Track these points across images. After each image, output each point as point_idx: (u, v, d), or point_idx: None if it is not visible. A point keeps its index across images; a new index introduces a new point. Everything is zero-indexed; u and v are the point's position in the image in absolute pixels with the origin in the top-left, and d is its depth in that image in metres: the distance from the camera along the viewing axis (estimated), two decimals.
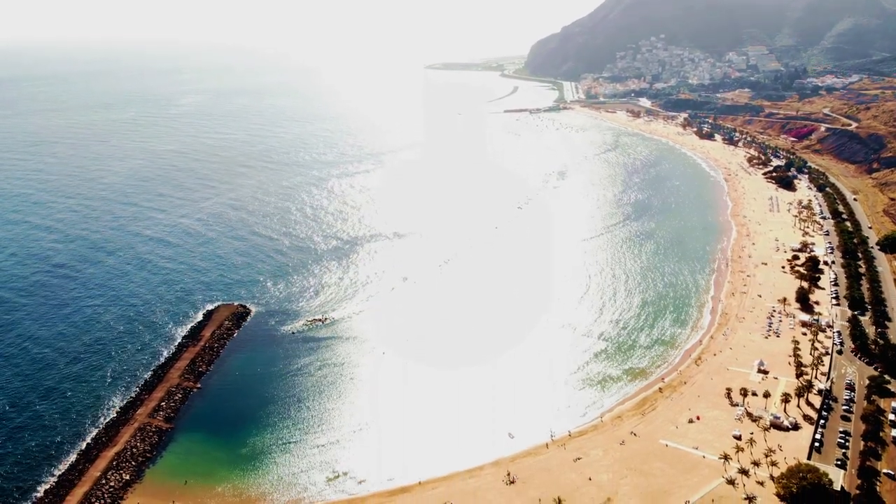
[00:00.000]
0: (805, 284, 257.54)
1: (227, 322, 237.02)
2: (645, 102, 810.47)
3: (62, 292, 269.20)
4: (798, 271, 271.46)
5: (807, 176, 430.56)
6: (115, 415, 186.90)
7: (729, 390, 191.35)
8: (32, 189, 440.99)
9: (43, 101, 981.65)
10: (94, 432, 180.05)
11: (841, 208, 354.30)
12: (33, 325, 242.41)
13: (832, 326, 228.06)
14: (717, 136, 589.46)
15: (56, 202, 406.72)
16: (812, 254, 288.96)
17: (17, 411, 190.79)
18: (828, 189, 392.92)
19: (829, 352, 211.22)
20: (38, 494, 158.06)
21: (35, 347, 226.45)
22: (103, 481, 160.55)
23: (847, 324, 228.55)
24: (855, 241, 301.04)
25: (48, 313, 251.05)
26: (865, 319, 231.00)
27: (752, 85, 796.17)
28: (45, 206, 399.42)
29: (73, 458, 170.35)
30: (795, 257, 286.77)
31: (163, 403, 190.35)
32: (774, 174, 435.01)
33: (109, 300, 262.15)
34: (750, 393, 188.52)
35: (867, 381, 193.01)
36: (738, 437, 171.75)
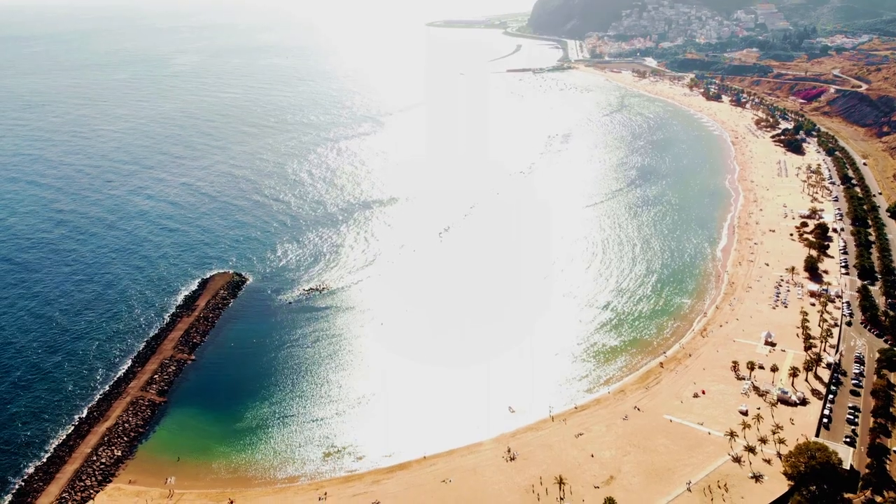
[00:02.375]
0: (814, 253, 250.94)
1: (222, 291, 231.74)
2: (651, 62, 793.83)
3: (58, 259, 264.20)
4: (807, 239, 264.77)
5: (816, 139, 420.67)
6: (107, 388, 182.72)
7: (735, 363, 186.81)
8: (36, 150, 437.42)
9: (42, 60, 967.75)
10: (86, 407, 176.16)
11: (850, 173, 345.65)
12: (27, 293, 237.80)
13: (841, 297, 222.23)
14: (725, 98, 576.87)
15: (61, 163, 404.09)
16: (821, 220, 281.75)
17: (6, 385, 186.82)
18: (837, 153, 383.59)
19: (839, 323, 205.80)
20: (29, 471, 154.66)
21: (28, 317, 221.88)
22: (94, 458, 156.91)
23: (856, 294, 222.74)
24: (865, 207, 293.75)
25: (43, 282, 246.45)
26: (875, 289, 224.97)
27: (761, 44, 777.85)
28: (49, 167, 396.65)
29: (63, 433, 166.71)
30: (804, 224, 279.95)
31: (156, 376, 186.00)
32: (783, 137, 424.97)
33: (104, 267, 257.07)
34: (757, 366, 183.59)
35: (877, 355, 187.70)
36: (745, 413, 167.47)
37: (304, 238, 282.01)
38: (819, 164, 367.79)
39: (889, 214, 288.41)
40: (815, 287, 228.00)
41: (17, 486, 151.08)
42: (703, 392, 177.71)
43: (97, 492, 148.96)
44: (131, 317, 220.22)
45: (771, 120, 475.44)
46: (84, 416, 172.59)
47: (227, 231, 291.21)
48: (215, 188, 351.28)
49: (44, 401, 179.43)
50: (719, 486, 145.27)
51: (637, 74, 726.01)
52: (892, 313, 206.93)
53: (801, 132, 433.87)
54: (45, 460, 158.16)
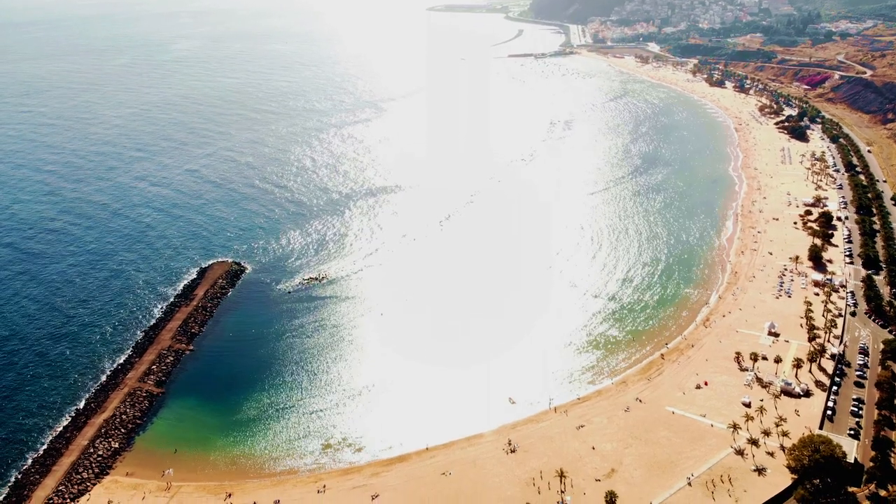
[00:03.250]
0: (818, 241, 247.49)
1: (221, 280, 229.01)
2: (654, 47, 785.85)
3: (61, 248, 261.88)
4: (811, 227, 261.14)
5: (820, 126, 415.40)
6: (104, 379, 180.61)
7: (738, 354, 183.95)
8: (40, 136, 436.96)
9: (43, 45, 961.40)
10: (84, 398, 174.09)
11: (855, 160, 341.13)
12: (29, 281, 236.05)
13: (845, 286, 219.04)
14: (728, 84, 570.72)
15: (65, 149, 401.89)
16: (825, 209, 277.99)
17: (12, 375, 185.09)
18: (841, 140, 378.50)
19: (843, 314, 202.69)
20: (25, 465, 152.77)
21: (33, 305, 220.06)
22: (91, 450, 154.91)
23: (861, 284, 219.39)
24: (869, 195, 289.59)
25: (44, 269, 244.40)
26: (880, 279, 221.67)
27: (765, 30, 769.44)
28: (52, 153, 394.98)
29: (60, 425, 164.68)
30: (808, 212, 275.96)
31: (154, 367, 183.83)
32: (787, 124, 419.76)
33: (107, 255, 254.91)
34: (760, 357, 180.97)
35: (881, 346, 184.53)
36: (748, 405, 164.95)
37: (305, 226, 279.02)
38: (823, 152, 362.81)
39: (894, 202, 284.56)
40: (819, 276, 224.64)
41: (14, 479, 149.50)
42: (706, 383, 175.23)
43: (94, 484, 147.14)
44: (133, 306, 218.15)
45: (775, 106, 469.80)
46: (81, 407, 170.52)
47: (229, 219, 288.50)
48: (219, 175, 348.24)
49: (45, 391, 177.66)
50: (722, 480, 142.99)
51: (640, 60, 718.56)
52: None
53: (805, 119, 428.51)
54: (41, 452, 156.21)
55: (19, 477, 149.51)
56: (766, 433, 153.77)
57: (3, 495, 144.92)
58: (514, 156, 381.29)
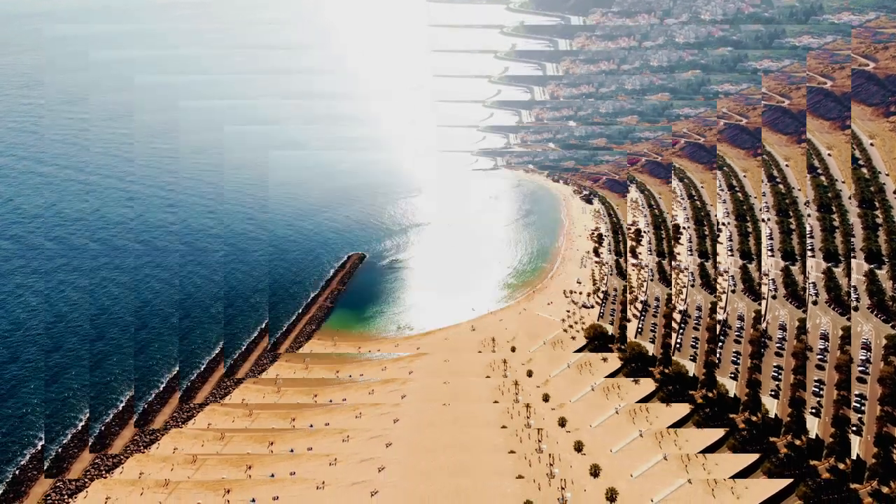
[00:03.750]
0: (595, 245, 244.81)
1: (356, 261, 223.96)
2: (532, 167, 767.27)
3: (293, 247, 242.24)
4: (593, 239, 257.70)
5: (597, 198, 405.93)
6: (309, 300, 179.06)
7: (565, 291, 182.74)
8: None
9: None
10: (301, 307, 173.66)
11: (611, 211, 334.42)
12: (279, 261, 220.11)
13: (608, 263, 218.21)
14: (561, 181, 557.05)
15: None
16: (599, 231, 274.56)
17: (272, 299, 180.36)
18: (603, 204, 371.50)
19: (605, 275, 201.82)
20: (281, 331, 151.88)
21: (282, 271, 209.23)
22: (304, 328, 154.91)
23: (614, 263, 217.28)
24: (617, 225, 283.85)
25: (287, 255, 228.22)
26: (622, 260, 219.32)
27: (572, 152, 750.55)
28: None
29: (290, 320, 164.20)
30: (592, 233, 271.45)
31: (329, 295, 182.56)
32: (583, 197, 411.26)
33: (310, 250, 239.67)
34: (574, 293, 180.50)
35: (623, 286, 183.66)
36: (569, 311, 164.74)
37: (392, 238, 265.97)
38: (598, 209, 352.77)
39: (630, 229, 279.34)
40: (597, 259, 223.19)
41: (274, 340, 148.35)
42: (552, 303, 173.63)
43: (306, 342, 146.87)
44: (321, 271, 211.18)
45: (579, 189, 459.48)
46: (300, 311, 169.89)
47: (360, 234, 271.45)
48: (357, 218, 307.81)
49: (287, 307, 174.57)
50: (557, 343, 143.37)
51: (525, 171, 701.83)
52: (624, 269, 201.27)
53: (591, 195, 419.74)
54: (284, 328, 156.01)
55: (272, 341, 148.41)
56: (576, 323, 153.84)
57: (272, 342, 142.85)
58: (474, 209, 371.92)
